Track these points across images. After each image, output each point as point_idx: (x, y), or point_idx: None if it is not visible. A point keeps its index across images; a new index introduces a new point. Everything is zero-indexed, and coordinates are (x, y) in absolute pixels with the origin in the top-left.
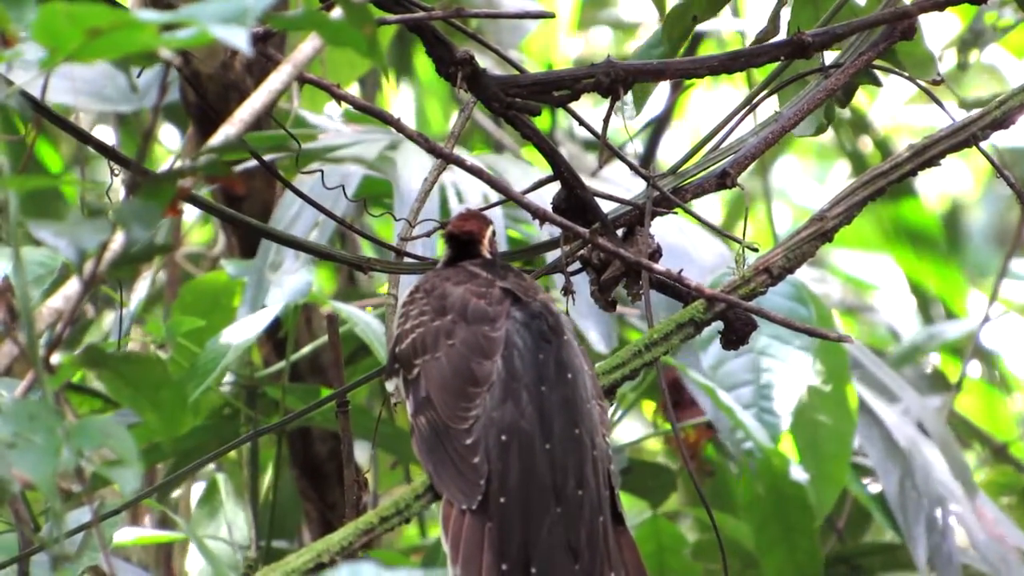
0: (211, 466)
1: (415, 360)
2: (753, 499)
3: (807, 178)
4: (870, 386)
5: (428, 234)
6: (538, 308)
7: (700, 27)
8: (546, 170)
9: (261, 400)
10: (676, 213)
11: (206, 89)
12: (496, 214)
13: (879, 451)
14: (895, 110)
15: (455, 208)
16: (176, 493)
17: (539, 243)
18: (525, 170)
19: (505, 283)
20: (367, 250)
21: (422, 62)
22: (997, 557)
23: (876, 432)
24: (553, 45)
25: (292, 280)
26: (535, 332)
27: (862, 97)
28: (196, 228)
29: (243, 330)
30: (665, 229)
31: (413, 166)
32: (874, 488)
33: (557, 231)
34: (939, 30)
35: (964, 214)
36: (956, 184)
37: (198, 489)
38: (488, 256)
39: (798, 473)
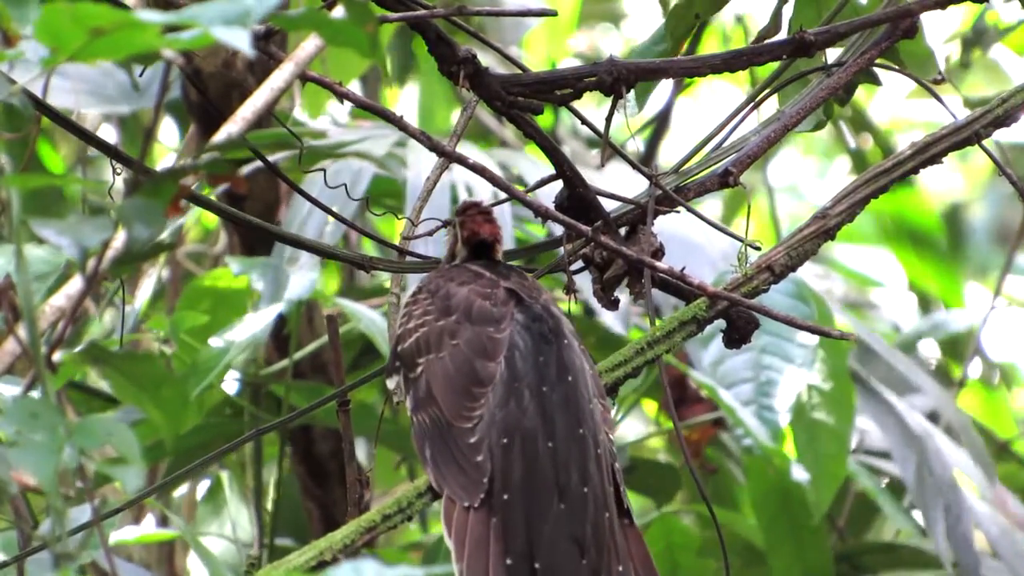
0: (215, 464)
1: (418, 359)
2: (760, 497)
3: (808, 174)
4: (885, 375)
5: (431, 232)
6: (539, 310)
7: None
8: (551, 167)
9: (264, 398)
10: (678, 212)
11: (208, 87)
12: (504, 211)
13: (895, 438)
14: (896, 106)
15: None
16: (180, 492)
17: (541, 242)
18: (535, 164)
19: (509, 283)
20: (369, 249)
21: (426, 58)
22: (1011, 552)
23: (891, 420)
24: (557, 43)
25: (296, 278)
26: (535, 334)
27: (862, 93)
28: (196, 225)
29: (247, 328)
30: (676, 222)
31: (423, 164)
32: (883, 481)
33: (560, 229)
34: (941, 26)
35: (965, 211)
36: (951, 181)
37: (202, 487)
38: (493, 258)
39: (799, 473)
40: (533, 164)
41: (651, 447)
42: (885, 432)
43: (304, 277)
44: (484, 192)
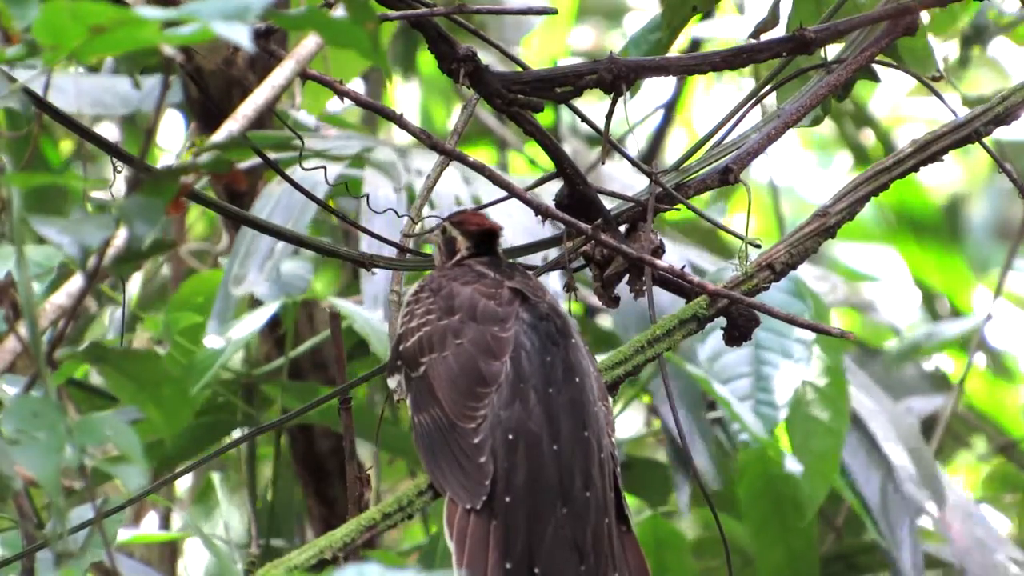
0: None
1: (421, 358)
2: (751, 498)
3: (809, 169)
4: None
5: (431, 231)
6: (545, 309)
7: (699, 33)
8: (547, 169)
9: (260, 396)
10: (679, 210)
11: (208, 85)
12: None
13: (861, 457)
14: (897, 101)
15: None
16: (180, 490)
17: (542, 239)
18: (511, 177)
19: (513, 283)
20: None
21: (425, 59)
22: (984, 563)
23: (855, 436)
24: (554, 40)
25: (289, 276)
26: (543, 334)
27: (863, 88)
28: (199, 222)
29: (241, 327)
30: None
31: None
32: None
33: (560, 227)
34: (940, 24)
35: (964, 205)
36: (950, 177)
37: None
38: (496, 254)
39: (792, 465)
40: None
41: (649, 442)
42: (850, 451)
43: (296, 275)
44: (447, 199)
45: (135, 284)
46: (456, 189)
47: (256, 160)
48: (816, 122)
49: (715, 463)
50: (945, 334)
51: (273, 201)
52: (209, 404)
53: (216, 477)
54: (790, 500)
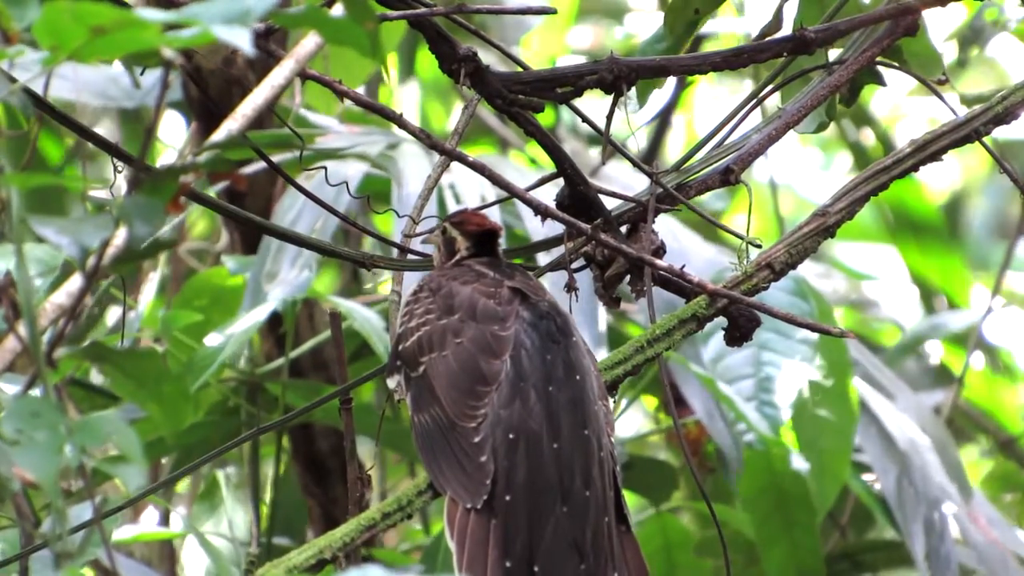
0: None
1: (421, 358)
2: (754, 494)
3: (809, 167)
4: (868, 385)
5: (431, 231)
6: (546, 308)
7: (703, 29)
8: (548, 168)
9: (263, 396)
10: (680, 210)
11: (208, 85)
12: (493, 212)
13: (877, 450)
14: (896, 100)
15: (453, 208)
16: (181, 489)
17: (542, 240)
18: (520, 171)
19: (513, 282)
20: (370, 247)
21: (424, 60)
22: (996, 559)
23: (874, 430)
24: (554, 39)
25: (288, 279)
26: (543, 332)
27: (865, 89)
28: (199, 222)
29: (240, 326)
30: (662, 229)
31: (413, 167)
32: (876, 485)
33: (560, 228)
34: (941, 24)
35: (964, 204)
36: (949, 175)
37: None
38: (496, 255)
39: (799, 463)
40: (518, 172)
41: (650, 442)
42: (868, 443)
43: (301, 277)
44: (472, 195)
45: (151, 284)
46: (482, 186)
47: (281, 157)
48: (821, 127)
49: (738, 447)
50: (948, 326)
51: (300, 202)
52: (217, 405)
53: (221, 475)
54: (793, 496)
